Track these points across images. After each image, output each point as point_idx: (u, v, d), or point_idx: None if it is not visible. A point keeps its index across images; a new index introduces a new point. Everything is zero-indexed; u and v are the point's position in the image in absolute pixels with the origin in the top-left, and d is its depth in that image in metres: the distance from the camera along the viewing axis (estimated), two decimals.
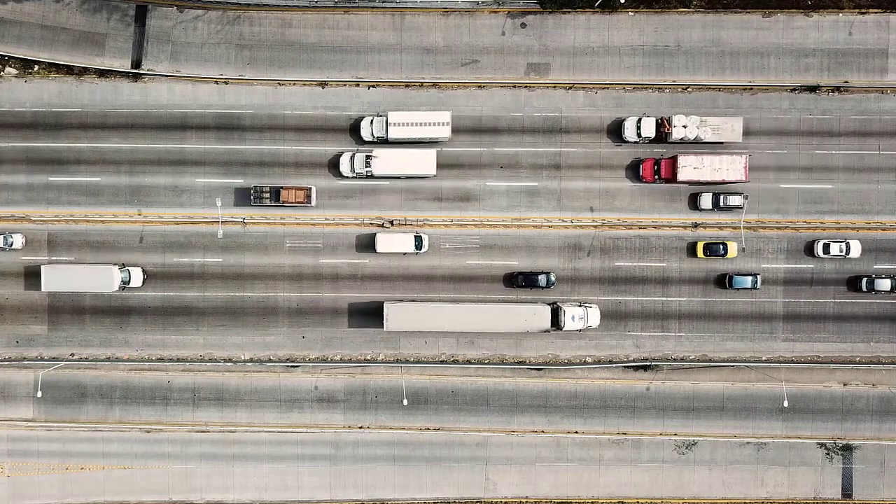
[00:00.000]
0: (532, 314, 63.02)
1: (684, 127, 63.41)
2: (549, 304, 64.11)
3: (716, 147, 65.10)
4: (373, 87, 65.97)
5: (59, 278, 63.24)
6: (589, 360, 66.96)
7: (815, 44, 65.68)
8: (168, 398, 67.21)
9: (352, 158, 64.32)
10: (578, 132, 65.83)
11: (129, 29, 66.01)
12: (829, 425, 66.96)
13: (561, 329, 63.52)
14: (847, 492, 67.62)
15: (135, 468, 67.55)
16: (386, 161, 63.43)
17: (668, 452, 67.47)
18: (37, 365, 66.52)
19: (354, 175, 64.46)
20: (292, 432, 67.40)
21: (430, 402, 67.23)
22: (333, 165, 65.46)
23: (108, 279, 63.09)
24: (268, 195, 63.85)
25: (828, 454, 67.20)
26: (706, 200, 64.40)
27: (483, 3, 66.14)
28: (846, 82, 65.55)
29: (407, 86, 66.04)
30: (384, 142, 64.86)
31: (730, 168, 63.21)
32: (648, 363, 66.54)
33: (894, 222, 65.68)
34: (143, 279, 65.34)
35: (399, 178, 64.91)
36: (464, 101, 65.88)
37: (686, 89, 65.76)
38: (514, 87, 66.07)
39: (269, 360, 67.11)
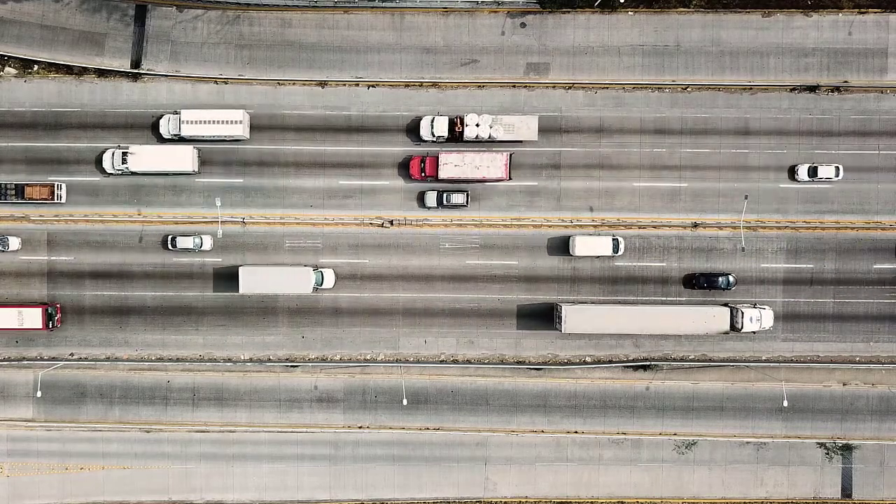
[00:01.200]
0: (712, 316, 62.37)
1: (477, 126, 63.26)
2: (723, 306, 63.83)
3: (514, 146, 65.00)
4: (372, 86, 65.99)
5: (255, 280, 62.85)
6: (588, 359, 66.97)
7: (814, 43, 65.68)
8: (168, 398, 67.21)
9: (112, 155, 64.27)
10: (578, 132, 65.84)
11: (128, 29, 66.00)
12: (828, 425, 66.98)
13: (739, 331, 62.83)
14: (847, 491, 67.64)
15: (134, 468, 67.55)
16: (142, 157, 63.49)
17: (667, 452, 67.48)
18: (36, 365, 66.52)
19: (116, 171, 64.38)
20: (292, 432, 67.40)
21: (429, 402, 67.23)
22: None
23: (304, 281, 62.78)
24: (13, 192, 63.98)
25: (827, 454, 67.21)
26: (431, 199, 64.76)
27: (483, 2, 66.13)
28: (846, 82, 65.56)
29: (406, 85, 66.05)
30: (180, 139, 64.66)
31: (490, 166, 62.93)
32: (648, 363, 66.56)
33: (894, 222, 65.69)
34: (335, 280, 65.17)
35: (160, 174, 64.85)
36: (463, 100, 65.87)
37: (686, 89, 65.78)
38: (514, 86, 66.08)
39: (269, 360, 67.12)
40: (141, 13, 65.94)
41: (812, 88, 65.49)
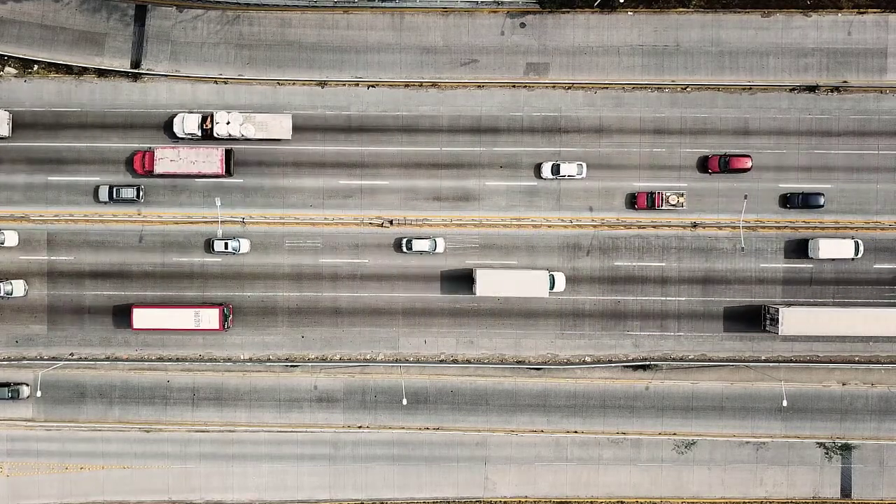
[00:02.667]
0: None
1: (227, 123, 63.37)
2: None
3: (269, 143, 65.13)
4: (372, 86, 66.03)
5: (491, 282, 62.55)
6: (588, 359, 67.00)
7: (814, 43, 65.72)
8: (167, 398, 67.22)
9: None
10: (578, 132, 65.89)
11: (128, 29, 66.03)
12: (828, 425, 67.00)
13: None
14: (846, 491, 67.67)
15: (134, 468, 67.57)
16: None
17: (667, 452, 67.51)
18: (36, 365, 66.54)
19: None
20: (291, 432, 67.41)
21: (429, 402, 67.26)
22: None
23: (540, 284, 62.66)
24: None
25: (827, 454, 67.24)
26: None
27: (482, 2, 66.17)
28: (845, 82, 65.60)
29: (406, 85, 66.09)
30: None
31: (206, 161, 63.02)
32: (647, 363, 66.59)
33: (893, 222, 65.73)
34: (565, 284, 64.99)
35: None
36: (463, 100, 65.93)
37: (685, 89, 65.82)
38: (514, 86, 66.12)
39: (269, 360, 67.15)
40: (141, 13, 65.97)
41: (811, 88, 65.54)
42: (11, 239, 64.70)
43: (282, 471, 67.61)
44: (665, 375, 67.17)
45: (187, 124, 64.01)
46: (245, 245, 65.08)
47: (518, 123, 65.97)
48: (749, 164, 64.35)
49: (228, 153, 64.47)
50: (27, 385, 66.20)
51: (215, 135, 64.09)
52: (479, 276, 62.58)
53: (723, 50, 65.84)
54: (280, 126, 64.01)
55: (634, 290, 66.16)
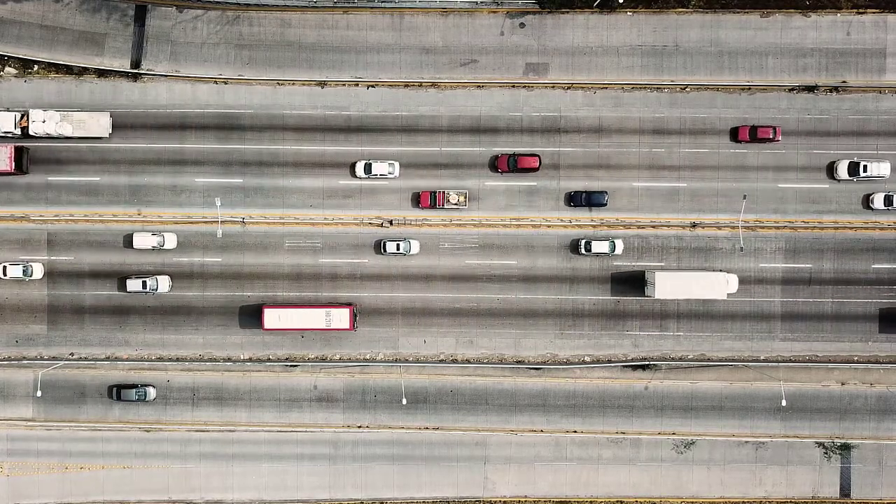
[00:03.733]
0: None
1: (43, 122, 63.03)
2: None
3: (84, 142, 64.93)
4: (372, 86, 66.10)
5: (671, 285, 62.30)
6: (587, 359, 67.07)
7: (813, 44, 65.80)
8: (167, 398, 67.27)
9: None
10: (577, 132, 65.96)
11: (128, 29, 66.10)
12: (827, 424, 67.05)
13: None
14: (845, 491, 67.71)
15: (134, 468, 67.61)
16: None
17: (666, 452, 67.56)
18: (36, 364, 66.59)
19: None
20: (291, 432, 67.46)
21: (429, 402, 67.31)
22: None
23: (719, 286, 62.48)
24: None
25: (826, 453, 67.28)
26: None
27: (482, 2, 66.25)
28: (844, 82, 65.67)
29: (406, 85, 66.16)
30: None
31: None
32: (647, 363, 66.64)
33: (892, 222, 65.80)
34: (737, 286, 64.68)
35: None
36: (463, 100, 66.01)
37: (685, 89, 65.90)
38: (513, 86, 66.19)
39: (269, 360, 67.21)
40: (141, 13, 66.03)
41: (811, 88, 65.62)
42: (171, 241, 65.01)
43: (282, 471, 67.66)
44: (664, 375, 67.24)
45: (3, 122, 63.48)
46: (415, 246, 65.08)
47: (517, 123, 66.04)
48: (537, 164, 64.51)
49: (20, 151, 63.58)
50: (153, 387, 66.28)
51: (31, 133, 63.52)
52: (658, 278, 62.09)
53: (722, 50, 65.92)
54: (98, 124, 63.74)
55: (634, 289, 66.20)
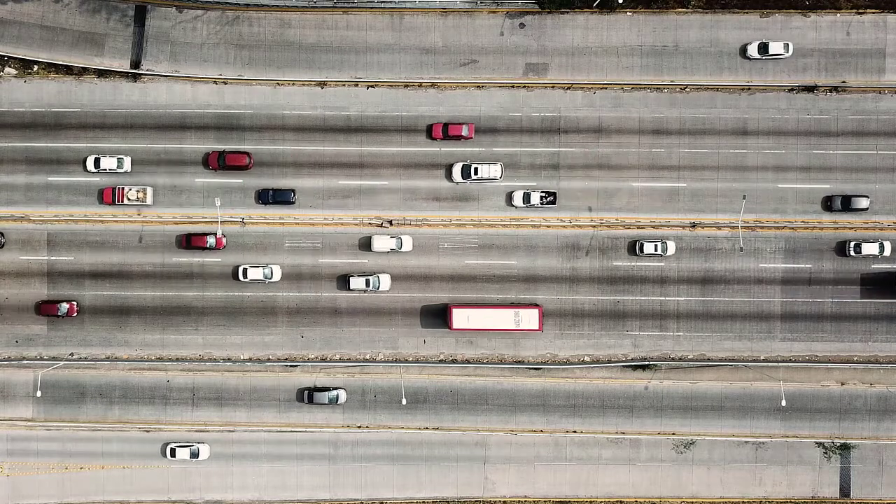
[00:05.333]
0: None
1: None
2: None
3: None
4: (371, 87, 66.13)
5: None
6: (587, 359, 67.09)
7: (812, 44, 65.81)
8: (167, 398, 67.30)
9: None
10: (577, 132, 65.99)
11: (128, 29, 66.13)
12: (827, 424, 67.08)
13: None
14: (845, 491, 67.73)
15: (134, 468, 67.64)
16: None
17: (666, 452, 67.58)
18: (36, 365, 66.62)
19: None
20: (291, 432, 67.48)
21: (428, 402, 67.33)
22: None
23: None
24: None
25: (826, 453, 67.31)
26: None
27: (482, 3, 66.27)
28: (844, 82, 65.69)
29: (406, 86, 66.19)
30: None
31: None
32: (647, 363, 66.66)
33: (892, 222, 65.82)
34: None
35: None
36: (462, 100, 66.03)
37: (684, 89, 65.92)
38: (513, 87, 66.22)
39: (269, 360, 67.23)
40: (141, 14, 66.06)
41: (810, 89, 65.64)
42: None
43: (282, 471, 67.68)
44: (664, 375, 67.26)
45: None
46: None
47: (517, 124, 66.07)
48: (246, 161, 64.68)
49: None
50: (344, 390, 66.22)
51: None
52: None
53: (721, 50, 65.94)
54: None
55: (633, 289, 66.25)
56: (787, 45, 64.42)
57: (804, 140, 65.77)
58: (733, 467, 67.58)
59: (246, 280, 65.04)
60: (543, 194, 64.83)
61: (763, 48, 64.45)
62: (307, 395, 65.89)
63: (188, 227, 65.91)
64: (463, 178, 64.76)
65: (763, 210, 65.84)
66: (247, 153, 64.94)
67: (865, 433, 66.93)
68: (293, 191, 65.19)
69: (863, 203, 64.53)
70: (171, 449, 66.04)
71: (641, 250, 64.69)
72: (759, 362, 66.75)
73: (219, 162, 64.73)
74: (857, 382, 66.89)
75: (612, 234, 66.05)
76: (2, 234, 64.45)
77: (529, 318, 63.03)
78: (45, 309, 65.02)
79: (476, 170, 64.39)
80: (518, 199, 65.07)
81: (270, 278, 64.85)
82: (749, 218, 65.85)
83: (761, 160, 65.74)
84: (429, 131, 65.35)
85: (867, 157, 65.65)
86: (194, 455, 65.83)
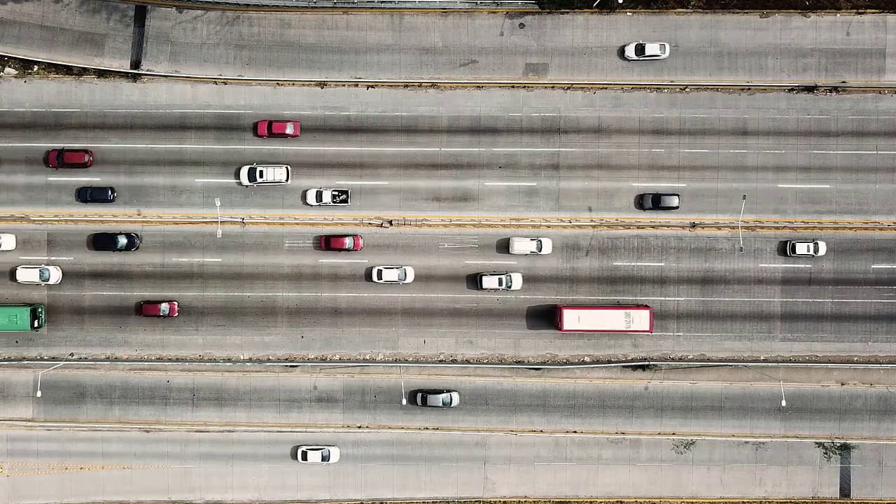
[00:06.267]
0: None
1: None
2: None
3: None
4: (371, 87, 66.14)
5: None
6: (587, 359, 67.08)
7: (812, 44, 65.83)
8: (167, 398, 67.30)
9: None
10: (577, 132, 66.00)
11: (128, 29, 66.14)
12: (827, 425, 67.07)
13: None
14: (845, 491, 67.72)
15: (134, 468, 67.63)
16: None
17: (666, 452, 67.58)
18: (36, 365, 66.62)
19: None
20: (291, 432, 67.47)
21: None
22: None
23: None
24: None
25: (826, 454, 67.30)
26: None
27: (482, 3, 66.28)
28: (844, 82, 65.70)
29: (406, 86, 66.20)
30: None
31: None
32: (647, 363, 66.65)
33: (892, 222, 65.82)
34: None
35: None
36: (462, 101, 66.04)
37: (684, 89, 65.93)
38: (513, 87, 66.23)
39: (268, 360, 67.23)
40: (140, 14, 66.08)
41: (810, 89, 65.64)
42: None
43: (282, 471, 67.67)
44: (664, 375, 67.25)
45: None
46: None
47: (517, 124, 66.08)
48: (86, 158, 64.50)
49: None
50: (457, 392, 66.12)
51: None
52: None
53: (721, 50, 65.95)
54: None
55: (633, 290, 66.24)
56: (664, 45, 64.52)
57: (804, 140, 65.79)
58: (733, 467, 67.57)
59: (381, 281, 64.84)
60: (335, 192, 64.81)
61: (640, 49, 64.61)
62: (420, 398, 65.66)
63: (188, 227, 65.87)
64: (250, 180, 64.81)
65: (763, 210, 65.85)
66: (85, 150, 64.76)
67: (865, 433, 66.93)
68: (111, 188, 64.97)
69: (674, 202, 64.61)
70: (303, 452, 66.17)
71: (794, 250, 64.51)
72: (759, 362, 66.74)
73: (57, 159, 64.62)
74: (857, 382, 66.89)
75: (612, 235, 66.03)
76: (137, 236, 65.23)
77: (640, 319, 62.91)
78: (147, 309, 65.30)
79: (262, 172, 64.46)
80: (312, 197, 65.07)
81: (404, 280, 64.79)
82: (749, 218, 65.85)
83: (761, 160, 65.75)
84: (255, 128, 65.37)
85: (867, 157, 65.64)
86: (325, 458, 65.96)
